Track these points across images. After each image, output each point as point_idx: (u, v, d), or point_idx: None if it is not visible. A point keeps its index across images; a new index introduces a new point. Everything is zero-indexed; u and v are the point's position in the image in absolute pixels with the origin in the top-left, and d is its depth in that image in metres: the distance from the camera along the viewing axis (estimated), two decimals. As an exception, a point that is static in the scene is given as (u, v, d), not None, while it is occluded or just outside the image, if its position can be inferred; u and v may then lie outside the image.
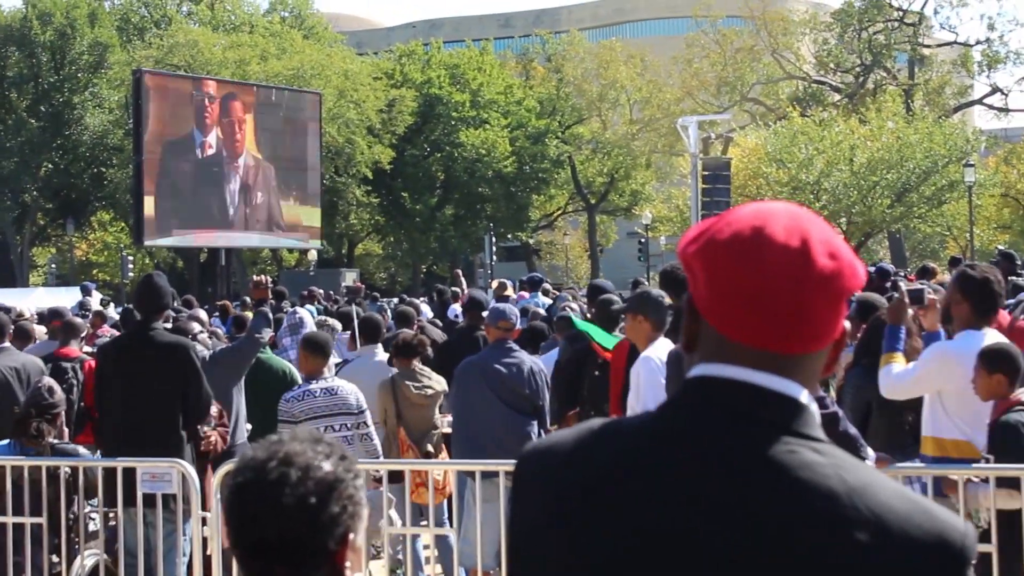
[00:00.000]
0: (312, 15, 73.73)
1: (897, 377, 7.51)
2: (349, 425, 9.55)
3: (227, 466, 8.26)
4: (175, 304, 16.95)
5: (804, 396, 1.99)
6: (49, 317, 16.32)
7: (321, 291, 29.60)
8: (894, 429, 8.14)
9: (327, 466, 2.40)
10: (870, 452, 7.09)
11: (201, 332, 12.07)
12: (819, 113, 55.38)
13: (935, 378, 7.39)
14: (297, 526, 2.36)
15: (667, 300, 8.73)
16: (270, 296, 11.03)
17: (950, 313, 7.59)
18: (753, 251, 1.97)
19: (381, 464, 8.99)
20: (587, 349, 10.70)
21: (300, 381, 10.92)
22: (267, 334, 10.70)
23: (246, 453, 2.44)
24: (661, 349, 8.27)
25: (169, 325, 9.63)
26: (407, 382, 10.34)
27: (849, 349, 9.24)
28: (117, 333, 16.54)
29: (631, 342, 8.96)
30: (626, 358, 9.09)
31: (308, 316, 14.20)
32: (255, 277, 10.89)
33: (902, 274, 20.80)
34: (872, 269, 16.06)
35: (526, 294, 20.37)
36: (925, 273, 18.14)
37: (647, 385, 8.12)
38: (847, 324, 2.04)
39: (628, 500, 1.96)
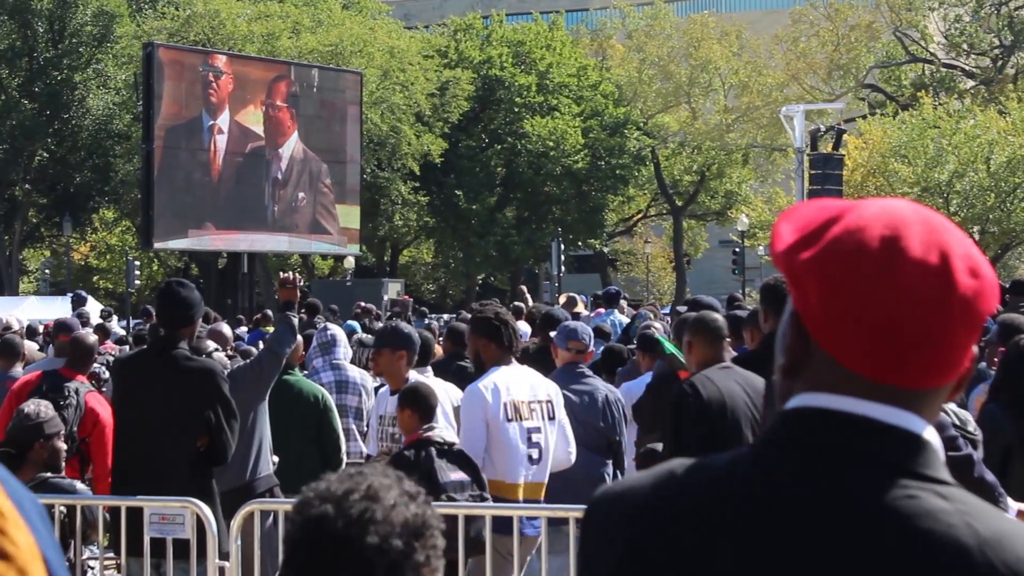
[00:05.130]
0: (353, -19, 73.78)
1: None
2: None
3: (249, 506, 8.30)
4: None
5: (927, 431, 1.97)
6: (55, 331, 16.29)
7: (371, 306, 29.67)
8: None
9: (414, 507, 2.37)
10: (1011, 503, 7.04)
11: (217, 350, 12.05)
12: (951, 102, 54.89)
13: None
14: (377, 572, 2.32)
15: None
16: (298, 297, 10.74)
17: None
18: (885, 269, 1.93)
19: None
20: (668, 377, 10.63)
21: (333, 407, 10.95)
22: (291, 346, 10.36)
23: (319, 484, 2.40)
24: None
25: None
26: None
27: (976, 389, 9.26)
28: (121, 349, 16.66)
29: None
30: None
31: (341, 333, 14.17)
32: (281, 274, 10.67)
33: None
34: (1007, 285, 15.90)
35: (602, 310, 20.31)
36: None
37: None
38: (975, 350, 2.00)
39: (721, 554, 1.95)
